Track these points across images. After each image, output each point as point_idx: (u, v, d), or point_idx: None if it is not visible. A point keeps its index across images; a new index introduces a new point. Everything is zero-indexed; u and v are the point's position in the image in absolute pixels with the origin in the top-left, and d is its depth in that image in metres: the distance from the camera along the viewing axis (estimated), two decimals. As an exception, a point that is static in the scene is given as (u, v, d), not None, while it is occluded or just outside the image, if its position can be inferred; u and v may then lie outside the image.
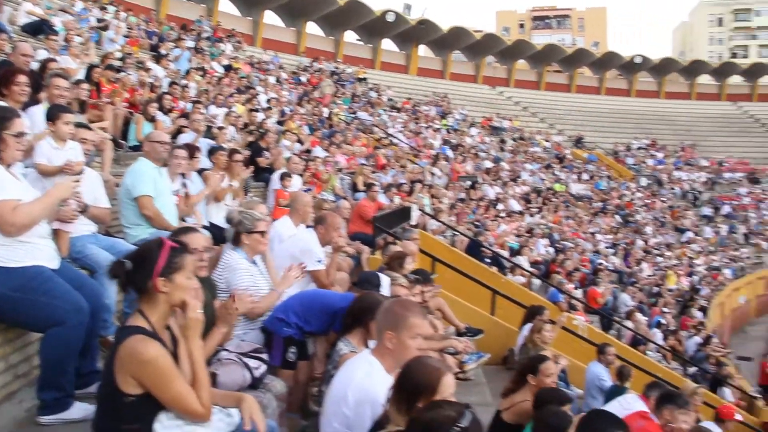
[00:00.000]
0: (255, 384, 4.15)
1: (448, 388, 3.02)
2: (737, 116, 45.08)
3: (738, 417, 8.89)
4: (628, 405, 6.23)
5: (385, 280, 5.50)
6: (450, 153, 22.89)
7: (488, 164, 23.84)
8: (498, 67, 43.52)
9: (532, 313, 8.28)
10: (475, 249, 12.80)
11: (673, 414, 5.82)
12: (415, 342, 3.50)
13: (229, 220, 5.13)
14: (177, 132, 9.68)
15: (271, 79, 20.68)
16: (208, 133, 10.18)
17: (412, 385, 2.99)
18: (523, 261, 14.35)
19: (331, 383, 3.71)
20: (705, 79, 48.53)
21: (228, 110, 13.04)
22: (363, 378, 3.45)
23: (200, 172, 7.43)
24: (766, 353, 20.14)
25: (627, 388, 8.04)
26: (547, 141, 32.00)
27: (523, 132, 31.83)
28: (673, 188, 33.62)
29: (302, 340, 4.76)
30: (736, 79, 49.27)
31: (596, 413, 4.39)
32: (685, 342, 16.15)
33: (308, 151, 13.39)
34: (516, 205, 20.25)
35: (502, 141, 28.47)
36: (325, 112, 19.72)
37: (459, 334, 7.53)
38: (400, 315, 3.53)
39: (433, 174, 18.59)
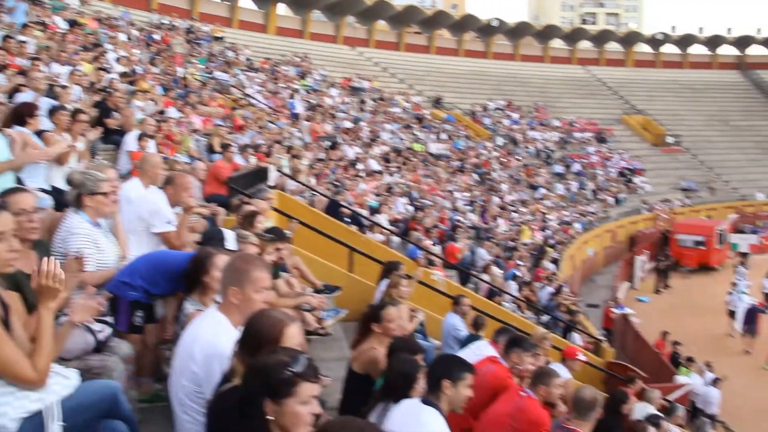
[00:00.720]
0: (99, 348, 4.02)
1: (291, 338, 3.03)
2: (586, 79, 47.42)
3: (581, 357, 9.48)
4: (479, 351, 6.49)
5: (229, 234, 5.43)
6: (300, 109, 22.68)
7: (348, 125, 23.91)
8: (358, 28, 43.53)
9: (389, 269, 8.39)
10: (334, 209, 12.85)
11: (520, 357, 6.13)
12: (260, 296, 3.49)
13: (69, 182, 4.89)
14: (14, 91, 9.07)
15: (122, 37, 19.72)
16: (51, 93, 9.60)
17: (256, 337, 2.99)
18: (382, 219, 14.56)
19: (178, 342, 3.65)
20: (557, 44, 50.63)
21: (73, 68, 12.32)
22: (210, 334, 3.42)
23: (40, 133, 7.01)
24: (610, 300, 21.51)
25: (481, 336, 8.35)
26: (406, 102, 32.40)
27: (383, 93, 32.07)
28: (527, 147, 34.97)
29: (149, 303, 4.64)
30: (585, 44, 51.68)
31: (444, 357, 4.56)
32: (538, 292, 16.92)
33: (161, 112, 12.92)
34: (376, 165, 20.45)
35: (362, 101, 28.58)
36: (180, 71, 19.08)
37: (317, 291, 7.56)
38: (242, 270, 3.51)
39: (291, 135, 18.46)
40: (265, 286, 3.54)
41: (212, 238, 5.29)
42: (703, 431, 8.76)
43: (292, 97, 24.09)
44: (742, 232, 34.10)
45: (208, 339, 3.40)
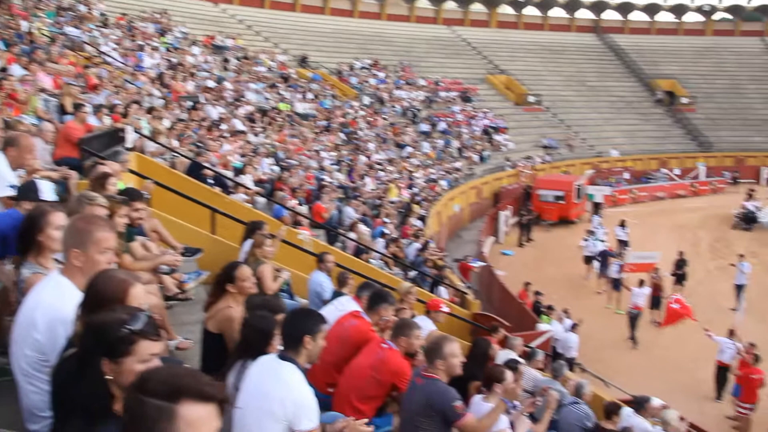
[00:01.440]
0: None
1: (135, 298, 2.90)
2: (451, 39, 48.11)
3: (444, 309, 9.78)
4: (342, 306, 6.54)
5: (44, 186, 5.11)
6: (149, 65, 21.76)
7: (211, 84, 23.22)
8: (221, -16, 42.25)
9: (252, 229, 8.26)
10: (196, 170, 12.50)
11: (383, 310, 6.24)
12: (104, 257, 3.31)
13: None
14: None
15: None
16: None
17: (98, 298, 2.83)
18: (247, 180, 14.32)
19: (18, 310, 3.45)
20: (423, 3, 50.92)
21: None
22: (52, 299, 3.20)
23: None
24: (469, 255, 22.24)
25: (346, 293, 8.42)
26: (271, 60, 31.82)
27: (247, 51, 31.33)
28: (393, 106, 35.24)
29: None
30: (450, 5, 52.29)
31: (300, 312, 4.54)
32: (405, 249, 17.15)
33: (3, 69, 12.07)
34: (240, 125, 20.02)
35: (226, 60, 27.81)
36: (24, 26, 17.83)
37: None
38: (85, 231, 3.31)
39: (151, 94, 17.74)
40: (110, 246, 3.36)
41: (25, 191, 4.95)
42: (560, 373, 9.19)
43: (142, 49, 23.00)
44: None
45: (51, 303, 3.18)
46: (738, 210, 32.47)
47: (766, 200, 33.71)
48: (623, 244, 26.19)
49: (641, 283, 19.61)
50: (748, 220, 31.68)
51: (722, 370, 15.39)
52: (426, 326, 7.69)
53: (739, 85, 50.31)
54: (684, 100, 48.51)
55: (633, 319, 18.84)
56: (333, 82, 34.29)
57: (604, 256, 22.62)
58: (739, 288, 21.23)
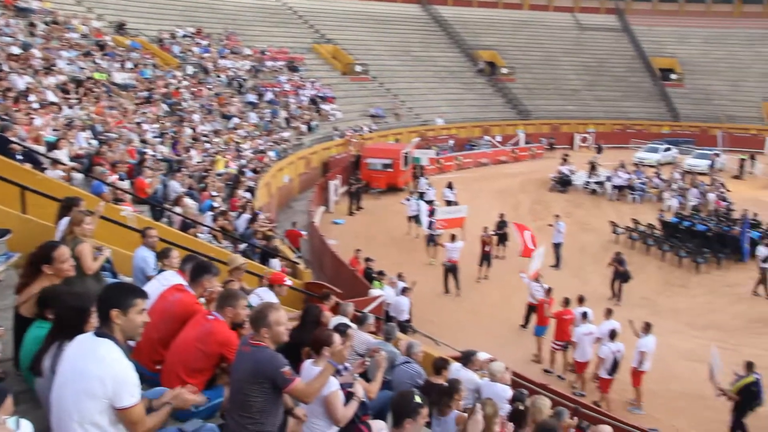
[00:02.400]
0: None
1: None
2: (277, 8, 47.30)
3: (288, 282, 9.79)
4: (165, 281, 6.31)
5: None
6: None
7: (16, 51, 21.46)
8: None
9: (67, 206, 7.79)
10: (2, 145, 11.60)
11: (208, 281, 6.11)
12: None
13: None
14: None
15: None
16: None
17: None
18: (62, 155, 13.47)
19: None
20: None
21: None
22: None
23: None
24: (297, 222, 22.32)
25: (169, 267, 8.15)
26: (85, 26, 29.87)
27: (57, 15, 29.20)
28: (218, 76, 34.29)
29: None
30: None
31: (111, 287, 4.32)
32: (234, 221, 16.88)
33: None
34: (52, 96, 18.74)
35: (32, 24, 25.75)
36: None
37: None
38: None
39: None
40: None
41: None
42: (391, 335, 9.43)
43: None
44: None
45: None
46: (554, 174, 34.58)
47: (579, 164, 36.07)
48: (450, 204, 27.68)
49: (453, 238, 20.84)
50: (563, 183, 33.85)
51: (530, 309, 17.60)
52: (269, 300, 7.64)
53: (553, 57, 53.39)
54: (504, 71, 50.90)
55: (448, 271, 20.14)
56: (154, 51, 32.76)
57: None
58: (557, 246, 22.70)
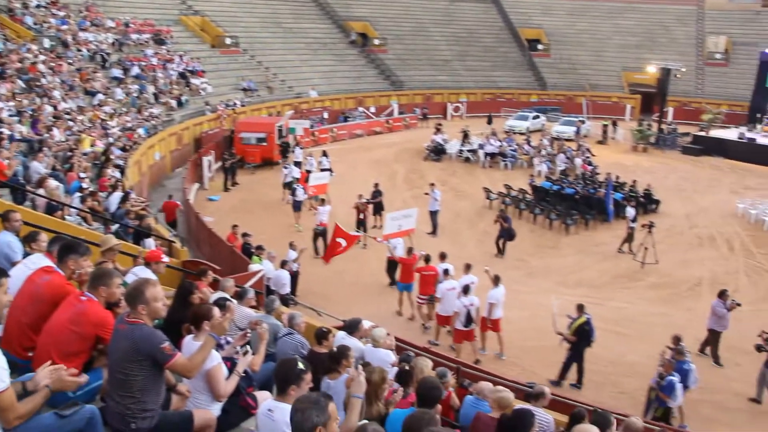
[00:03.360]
0: None
1: None
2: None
3: (165, 259, 9.51)
4: (32, 264, 6.01)
5: None
6: None
7: None
8: None
9: None
10: None
11: (77, 262, 5.84)
12: None
13: None
14: None
15: None
16: None
17: None
18: None
19: None
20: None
21: None
22: None
23: None
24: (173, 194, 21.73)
25: (37, 251, 7.75)
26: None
27: None
28: (80, 50, 32.57)
29: None
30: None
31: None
32: (104, 202, 16.24)
33: None
34: None
35: None
36: None
37: None
38: None
39: None
40: None
41: None
42: (271, 308, 9.37)
43: None
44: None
45: None
46: (428, 143, 35.17)
47: (452, 133, 36.83)
48: (327, 171, 27.94)
49: (323, 202, 21.52)
50: (437, 152, 34.50)
51: (392, 264, 18.48)
52: (148, 276, 7.38)
53: (424, 28, 54.03)
54: (376, 42, 51.05)
55: (318, 235, 20.79)
56: (4, 22, 30.71)
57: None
58: (433, 213, 23.14)
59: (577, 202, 25.64)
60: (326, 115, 41.60)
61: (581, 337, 13.83)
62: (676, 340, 12.95)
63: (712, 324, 15.21)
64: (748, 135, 38.92)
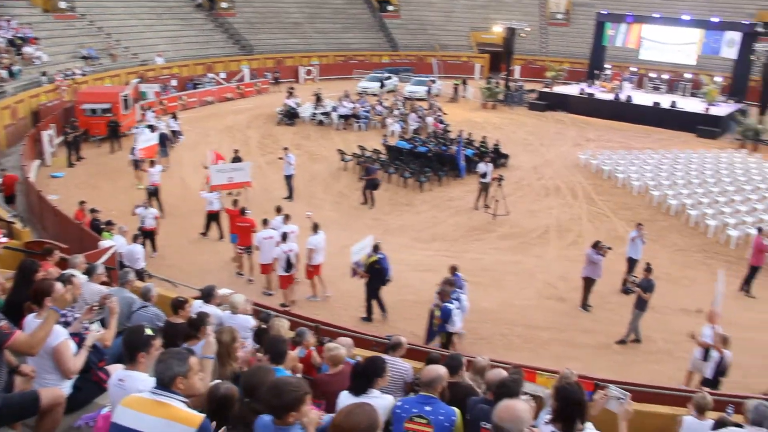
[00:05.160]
0: None
1: None
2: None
3: (3, 239, 9.02)
4: None
5: None
6: None
7: None
8: None
9: None
10: None
11: None
12: None
13: None
14: None
15: None
16: None
17: None
18: None
19: None
20: None
21: None
22: None
23: None
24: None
25: None
26: None
27: None
28: None
29: None
30: None
31: None
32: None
33: None
34: None
35: None
36: None
37: None
38: None
39: None
40: None
41: None
42: (125, 281, 9.08)
43: None
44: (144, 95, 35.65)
45: None
46: (281, 108, 34.81)
47: (305, 97, 36.62)
48: (176, 134, 28.89)
49: (152, 164, 21.67)
50: (290, 116, 34.23)
51: (209, 218, 19.40)
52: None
53: (272, -11, 53.03)
54: (223, 5, 49.53)
55: (151, 195, 21.06)
56: None
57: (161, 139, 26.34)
58: (288, 177, 23.01)
59: (430, 159, 26.25)
60: (174, 83, 40.20)
61: (374, 275, 14.81)
62: (453, 269, 13.88)
63: (587, 272, 16.00)
64: (588, 90, 41.26)
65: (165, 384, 3.98)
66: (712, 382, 11.36)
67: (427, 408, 5.53)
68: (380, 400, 5.65)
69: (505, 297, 16.64)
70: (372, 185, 22.73)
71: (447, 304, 12.68)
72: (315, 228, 15.91)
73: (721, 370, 11.38)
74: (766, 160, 29.97)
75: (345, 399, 5.61)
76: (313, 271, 15.96)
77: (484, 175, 22.57)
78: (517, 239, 20.50)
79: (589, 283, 16.05)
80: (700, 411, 8.05)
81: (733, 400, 8.39)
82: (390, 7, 55.29)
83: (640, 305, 14.41)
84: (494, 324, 15.20)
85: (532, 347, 14.32)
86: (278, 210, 17.34)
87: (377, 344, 10.52)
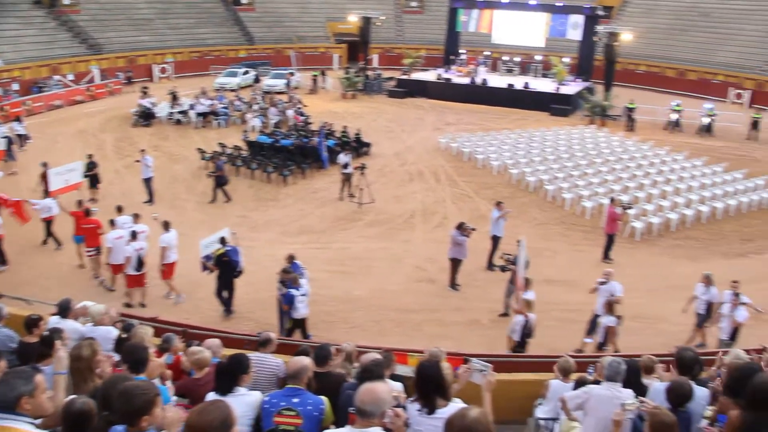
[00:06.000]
0: None
1: None
2: None
3: None
4: None
5: None
6: None
7: None
8: None
9: None
10: None
11: None
12: None
13: None
14: None
15: None
16: None
17: None
18: None
19: None
20: None
21: None
22: None
23: None
24: None
25: None
26: None
27: None
28: None
29: None
30: None
31: None
32: None
33: None
34: None
35: None
36: None
37: None
38: None
39: None
40: None
41: None
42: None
43: None
44: None
45: None
46: (135, 108, 33.53)
47: (160, 96, 35.45)
48: (23, 137, 27.90)
49: None
50: (146, 117, 33.01)
51: (49, 223, 18.40)
52: None
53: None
54: (66, 1, 46.77)
55: None
56: None
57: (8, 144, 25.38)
58: (147, 180, 22.23)
59: (292, 153, 26.06)
60: (16, 87, 37.86)
61: (223, 267, 14.77)
62: (290, 258, 14.14)
63: (453, 253, 16.30)
64: (445, 75, 42.31)
65: (8, 406, 3.75)
66: (520, 345, 12.05)
67: (295, 400, 5.54)
68: (247, 397, 5.64)
69: (375, 284, 16.79)
70: (221, 181, 22.56)
71: (290, 290, 13.05)
72: (166, 226, 15.67)
73: (527, 332, 12.03)
74: (613, 134, 31.73)
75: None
76: (167, 270, 15.67)
77: (345, 166, 22.63)
78: (384, 226, 20.72)
79: (455, 263, 16.40)
80: (564, 374, 8.52)
81: (594, 360, 8.82)
82: (244, 0, 54.36)
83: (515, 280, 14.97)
84: (367, 311, 15.32)
85: (405, 330, 14.51)
86: (119, 209, 17.03)
87: (249, 342, 10.36)
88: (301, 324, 13.43)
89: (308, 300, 13.54)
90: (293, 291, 13.08)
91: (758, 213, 22.75)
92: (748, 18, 47.56)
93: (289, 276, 13.33)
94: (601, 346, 12.59)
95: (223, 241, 14.85)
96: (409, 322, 14.94)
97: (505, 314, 15.13)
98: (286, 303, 13.11)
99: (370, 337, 13.64)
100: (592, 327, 13.41)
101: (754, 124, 33.71)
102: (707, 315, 13.64)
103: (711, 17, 48.89)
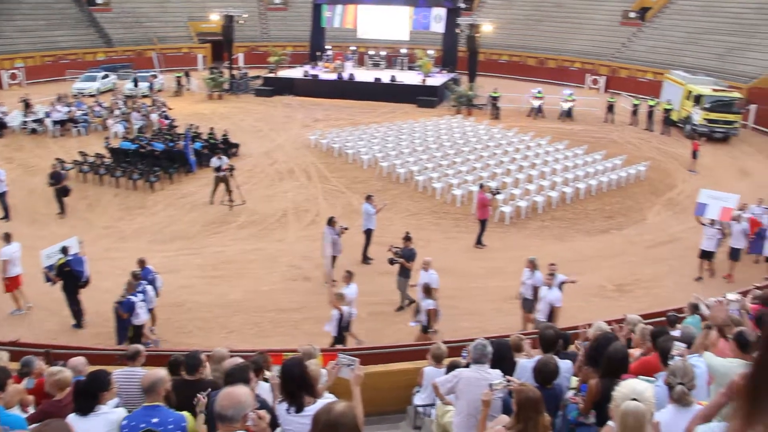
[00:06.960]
0: None
1: None
2: None
3: None
4: None
5: None
6: None
7: None
8: None
9: None
10: None
11: None
12: None
13: None
14: None
15: None
16: None
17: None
18: None
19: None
20: None
21: None
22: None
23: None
24: None
25: None
26: None
27: None
28: None
29: None
30: None
31: None
32: None
33: None
34: None
35: None
36: None
37: None
38: None
39: None
40: None
41: None
42: None
43: None
44: None
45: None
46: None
47: (11, 104, 33.48)
48: None
49: None
50: (-2, 126, 31.09)
51: None
52: None
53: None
54: None
55: None
56: None
57: None
58: (1, 196, 20.93)
59: (158, 158, 25.20)
60: None
61: (65, 278, 14.22)
62: (141, 263, 14.01)
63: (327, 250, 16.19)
64: (312, 72, 42.13)
65: None
66: (339, 339, 12.27)
67: (155, 420, 5.28)
68: (110, 416, 5.43)
69: (251, 285, 16.55)
70: (62, 192, 21.30)
71: (130, 297, 12.75)
72: (7, 238, 14.93)
73: (344, 326, 12.28)
74: (479, 123, 32.63)
75: (73, 421, 5.20)
76: (10, 284, 14.95)
77: (218, 169, 22.13)
78: (257, 227, 20.45)
79: (332, 261, 16.40)
80: (437, 360, 8.73)
81: (467, 344, 9.03)
82: (99, 0, 51.99)
83: (404, 273, 15.24)
84: (244, 314, 15.10)
85: (285, 330, 14.43)
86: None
87: (120, 357, 9.96)
88: (139, 330, 13.06)
89: (155, 304, 13.49)
90: (132, 297, 12.76)
91: (617, 191, 24.01)
92: (598, 8, 50.13)
93: (135, 281, 13.07)
94: (425, 330, 12.92)
95: (65, 250, 14.23)
96: (289, 322, 14.84)
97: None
98: (126, 311, 12.71)
99: (249, 340, 13.50)
100: (417, 311, 13.60)
101: (610, 108, 35.72)
102: (534, 299, 13.80)
103: (564, 7, 51.09)
